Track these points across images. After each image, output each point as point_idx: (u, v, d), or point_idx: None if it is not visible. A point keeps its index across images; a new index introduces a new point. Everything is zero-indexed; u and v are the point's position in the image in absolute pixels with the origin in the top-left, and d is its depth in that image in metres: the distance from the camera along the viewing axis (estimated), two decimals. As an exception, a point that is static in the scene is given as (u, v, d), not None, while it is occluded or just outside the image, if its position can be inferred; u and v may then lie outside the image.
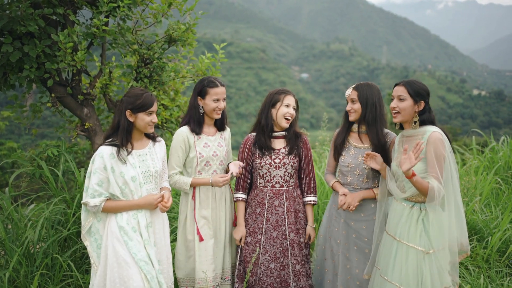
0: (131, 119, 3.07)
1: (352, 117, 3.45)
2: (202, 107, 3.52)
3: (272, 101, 3.57)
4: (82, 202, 3.03)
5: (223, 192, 3.63)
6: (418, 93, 3.08)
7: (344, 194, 3.40)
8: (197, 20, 4.60)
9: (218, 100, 3.47)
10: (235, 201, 3.69)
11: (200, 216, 3.51)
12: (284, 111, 3.52)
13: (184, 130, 3.49)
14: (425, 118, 3.11)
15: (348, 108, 3.45)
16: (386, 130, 3.49)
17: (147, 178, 3.13)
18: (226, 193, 3.66)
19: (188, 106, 3.61)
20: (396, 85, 3.19)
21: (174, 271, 3.90)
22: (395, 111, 3.13)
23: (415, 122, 3.11)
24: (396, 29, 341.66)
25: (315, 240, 3.95)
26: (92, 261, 3.09)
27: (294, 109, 3.57)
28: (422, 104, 3.10)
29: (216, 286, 3.55)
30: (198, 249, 3.47)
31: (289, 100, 3.55)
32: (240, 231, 3.62)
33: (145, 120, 3.07)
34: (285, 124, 3.54)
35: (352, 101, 3.43)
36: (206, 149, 3.52)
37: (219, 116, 3.55)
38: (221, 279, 3.64)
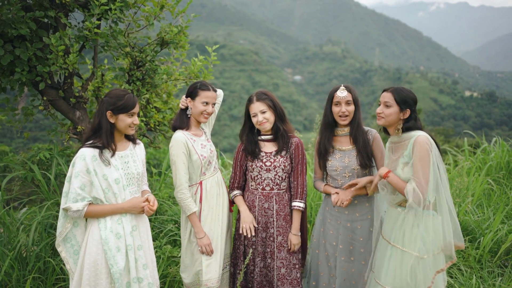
0: (111, 120, 2.97)
1: (347, 120, 3.45)
2: (191, 108, 3.53)
3: (246, 114, 3.64)
4: (62, 207, 2.89)
5: (223, 186, 3.67)
6: (405, 101, 3.06)
7: (336, 193, 3.41)
8: (189, 23, 4.60)
9: (207, 103, 3.48)
10: (233, 199, 3.69)
11: (207, 217, 3.52)
12: (254, 120, 3.55)
13: (181, 135, 3.46)
14: (410, 126, 3.09)
15: (343, 110, 3.40)
16: (366, 128, 3.53)
17: (130, 180, 3.05)
18: (224, 186, 3.69)
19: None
20: (384, 90, 3.18)
21: (164, 275, 3.89)
22: (380, 116, 3.13)
23: (398, 130, 3.11)
24: (388, 31, 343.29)
25: (309, 244, 3.94)
26: (68, 267, 2.99)
27: (263, 112, 3.51)
28: (408, 112, 3.08)
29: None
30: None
31: (253, 109, 3.54)
32: (249, 217, 3.56)
33: (126, 121, 2.97)
34: (263, 128, 3.55)
35: (347, 103, 3.43)
36: (204, 149, 3.53)
37: (206, 121, 3.57)
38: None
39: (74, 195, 2.85)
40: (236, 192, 3.69)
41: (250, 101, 3.58)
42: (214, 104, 3.55)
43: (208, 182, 3.54)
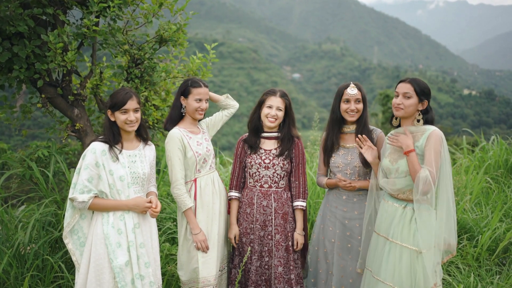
0: (112, 118, 3.09)
1: (356, 117, 3.46)
2: (185, 107, 3.54)
3: (259, 101, 3.63)
4: (69, 197, 2.99)
5: (220, 185, 3.67)
6: (423, 91, 3.09)
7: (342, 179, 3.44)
8: (188, 20, 4.59)
9: (200, 100, 3.50)
10: (229, 200, 3.71)
11: (202, 214, 3.52)
12: (266, 112, 3.56)
13: (176, 132, 3.49)
14: (429, 118, 3.14)
15: (352, 107, 3.42)
16: (371, 127, 3.54)
17: (135, 179, 3.11)
18: (221, 186, 3.70)
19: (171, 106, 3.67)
20: (401, 81, 3.18)
21: (162, 273, 3.88)
22: (400, 107, 3.12)
23: (418, 121, 3.13)
24: (387, 29, 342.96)
25: (309, 242, 3.95)
26: (74, 259, 3.08)
27: (280, 110, 3.56)
28: (426, 103, 3.12)
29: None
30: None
31: (272, 101, 3.56)
32: (234, 230, 3.64)
33: (120, 118, 3.06)
34: (269, 124, 3.56)
35: (357, 101, 3.44)
36: (200, 147, 3.54)
37: (201, 117, 3.60)
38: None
39: (81, 186, 2.95)
40: (233, 194, 3.70)
41: (272, 93, 3.60)
42: (207, 99, 3.56)
43: (202, 180, 3.55)
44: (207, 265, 3.47)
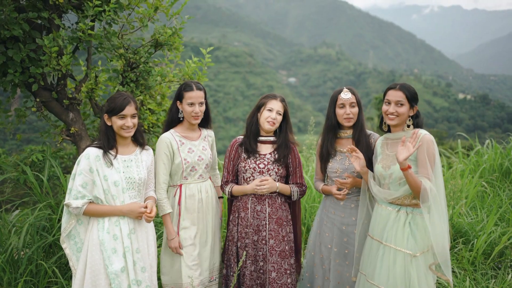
0: (108, 123, 3.08)
1: (352, 122, 3.44)
2: (181, 112, 3.52)
3: (258, 105, 3.59)
4: (64, 203, 2.99)
5: (209, 195, 3.62)
6: (414, 97, 3.10)
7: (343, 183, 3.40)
8: (183, 25, 4.59)
9: (192, 104, 3.44)
10: (229, 192, 3.62)
11: (186, 220, 3.50)
12: (266, 115, 3.52)
13: (167, 136, 3.47)
14: (418, 122, 3.15)
15: (347, 112, 3.39)
16: (369, 132, 3.53)
17: (130, 184, 3.08)
18: (212, 196, 3.66)
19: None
20: (390, 88, 3.16)
21: (158, 277, 3.86)
22: (394, 115, 3.11)
23: (408, 126, 3.14)
24: (382, 33, 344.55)
25: (303, 246, 3.93)
26: (71, 264, 3.07)
27: (279, 114, 3.53)
28: (416, 108, 3.13)
29: None
30: (184, 253, 3.46)
31: (273, 104, 3.52)
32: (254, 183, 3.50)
33: (117, 123, 3.04)
34: (268, 127, 3.52)
35: (352, 105, 3.43)
36: (190, 154, 3.50)
37: (197, 121, 3.52)
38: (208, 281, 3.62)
39: (75, 192, 2.95)
40: (230, 184, 3.64)
41: (273, 97, 3.58)
42: (201, 103, 3.49)
43: (188, 188, 3.52)
44: (189, 269, 3.45)
